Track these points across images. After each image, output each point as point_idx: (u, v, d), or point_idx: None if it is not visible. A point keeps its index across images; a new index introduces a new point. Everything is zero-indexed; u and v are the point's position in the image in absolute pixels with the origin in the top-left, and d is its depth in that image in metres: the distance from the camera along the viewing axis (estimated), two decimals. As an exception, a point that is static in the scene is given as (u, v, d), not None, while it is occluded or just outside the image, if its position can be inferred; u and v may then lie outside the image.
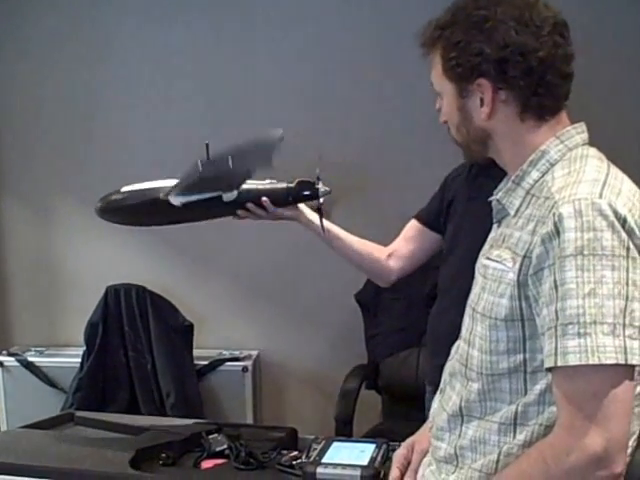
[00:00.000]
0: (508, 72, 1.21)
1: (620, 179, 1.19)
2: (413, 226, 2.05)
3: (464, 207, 1.88)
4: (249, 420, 2.96)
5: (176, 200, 1.85)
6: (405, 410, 2.69)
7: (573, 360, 1.06)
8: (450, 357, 1.40)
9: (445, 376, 1.39)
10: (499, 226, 1.31)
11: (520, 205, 1.25)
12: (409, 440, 1.50)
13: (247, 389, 2.98)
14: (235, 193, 1.85)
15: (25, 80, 3.15)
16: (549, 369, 1.11)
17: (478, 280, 1.29)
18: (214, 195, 1.85)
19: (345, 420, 2.56)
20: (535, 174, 1.24)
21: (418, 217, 2.05)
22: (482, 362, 1.24)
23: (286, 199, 1.90)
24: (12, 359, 3.06)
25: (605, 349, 1.05)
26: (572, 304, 1.07)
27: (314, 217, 1.98)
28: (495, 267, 1.23)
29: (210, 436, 1.96)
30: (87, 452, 1.87)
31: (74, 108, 3.14)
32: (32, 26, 3.09)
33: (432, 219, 2.01)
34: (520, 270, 1.16)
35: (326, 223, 2.01)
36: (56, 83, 3.13)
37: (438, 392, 1.42)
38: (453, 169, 2.03)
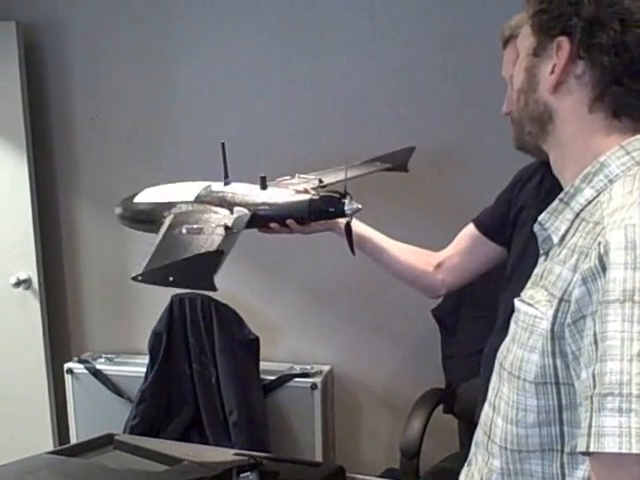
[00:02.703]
0: (596, 37, 0.93)
1: None
2: (470, 233, 1.76)
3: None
4: (318, 442, 2.77)
5: None
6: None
7: (611, 445, 0.78)
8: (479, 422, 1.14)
9: (472, 445, 1.14)
10: (546, 258, 1.02)
11: (566, 231, 0.97)
12: None
13: (316, 408, 2.78)
14: None
15: (104, 87, 3.05)
16: (583, 453, 0.83)
17: (511, 327, 1.02)
18: None
19: (411, 452, 2.32)
20: (588, 192, 0.95)
21: (477, 223, 1.75)
22: (506, 434, 0.97)
23: (307, 217, 1.69)
24: (81, 366, 3.00)
25: None
26: (613, 368, 0.79)
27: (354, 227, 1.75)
28: (526, 312, 0.96)
29: (242, 474, 1.79)
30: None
31: (154, 116, 3.02)
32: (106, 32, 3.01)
33: (494, 228, 1.71)
34: (555, 317, 0.90)
35: (367, 232, 1.79)
36: (135, 90, 3.02)
37: (466, 464, 1.16)
38: (524, 167, 1.72)
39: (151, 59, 2.98)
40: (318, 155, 2.68)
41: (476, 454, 1.09)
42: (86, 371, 2.98)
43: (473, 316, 2.63)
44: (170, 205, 1.77)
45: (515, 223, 1.68)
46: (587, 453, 0.81)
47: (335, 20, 2.77)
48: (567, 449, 0.92)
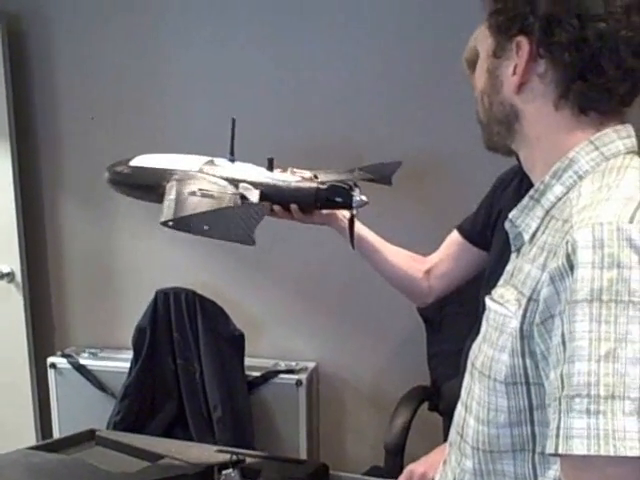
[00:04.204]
0: (554, 35, 0.92)
1: None
2: (455, 240, 1.77)
3: None
4: (302, 439, 2.75)
5: None
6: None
7: (579, 448, 0.77)
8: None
9: (447, 445, 1.13)
10: (517, 255, 1.02)
11: (537, 229, 0.96)
12: (408, 468, 1.37)
13: (301, 404, 2.76)
14: None
15: (90, 77, 3.01)
16: (551, 455, 0.82)
17: (482, 326, 1.01)
18: None
19: (395, 450, 2.30)
20: (558, 189, 0.95)
21: (461, 229, 1.77)
22: (478, 434, 0.97)
23: (312, 204, 1.66)
24: (65, 361, 2.97)
25: (625, 435, 0.75)
26: (581, 368, 0.78)
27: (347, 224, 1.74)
28: (497, 311, 0.95)
29: (224, 472, 1.78)
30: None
31: (143, 106, 2.98)
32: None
33: (476, 233, 1.72)
34: (524, 317, 0.89)
35: (363, 230, 1.78)
36: (123, 79, 2.98)
37: (441, 463, 1.15)
38: (504, 172, 1.73)
39: (139, 47, 2.93)
40: (304, 159, 2.65)
41: (450, 454, 1.08)
42: (69, 366, 2.95)
43: (458, 314, 2.61)
44: (171, 172, 1.69)
45: (495, 226, 1.68)
46: (556, 455, 0.81)
47: (327, 22, 2.74)
48: (539, 449, 0.92)
